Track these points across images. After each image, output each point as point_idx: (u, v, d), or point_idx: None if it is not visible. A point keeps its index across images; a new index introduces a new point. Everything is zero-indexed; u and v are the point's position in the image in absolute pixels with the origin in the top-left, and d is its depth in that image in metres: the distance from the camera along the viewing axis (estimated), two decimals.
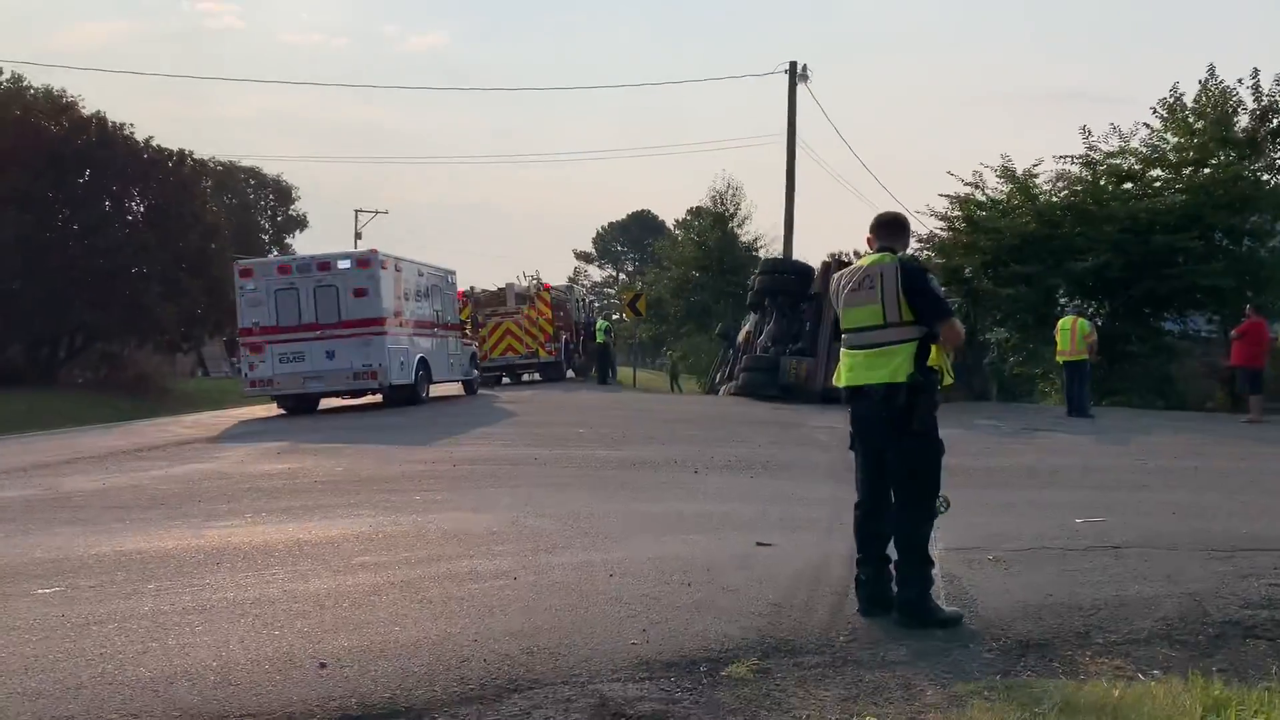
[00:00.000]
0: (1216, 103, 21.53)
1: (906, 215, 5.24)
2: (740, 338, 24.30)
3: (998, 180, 23.13)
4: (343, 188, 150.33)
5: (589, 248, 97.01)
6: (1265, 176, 21.50)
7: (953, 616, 4.72)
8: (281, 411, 18.58)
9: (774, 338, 21.57)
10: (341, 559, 6.20)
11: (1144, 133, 22.38)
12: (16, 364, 28.41)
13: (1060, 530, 6.94)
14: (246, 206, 58.93)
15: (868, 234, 5.06)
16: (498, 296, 30.50)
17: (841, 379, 4.96)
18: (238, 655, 4.24)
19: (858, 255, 17.47)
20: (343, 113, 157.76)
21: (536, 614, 4.78)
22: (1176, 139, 22.08)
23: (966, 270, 23.09)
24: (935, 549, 4.85)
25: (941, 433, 4.80)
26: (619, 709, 3.66)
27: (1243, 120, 21.56)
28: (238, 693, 3.80)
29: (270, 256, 36.56)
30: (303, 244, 61.80)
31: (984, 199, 23.22)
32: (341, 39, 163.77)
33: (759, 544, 6.36)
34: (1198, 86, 21.86)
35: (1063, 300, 22.43)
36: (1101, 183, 22.45)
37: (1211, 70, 21.69)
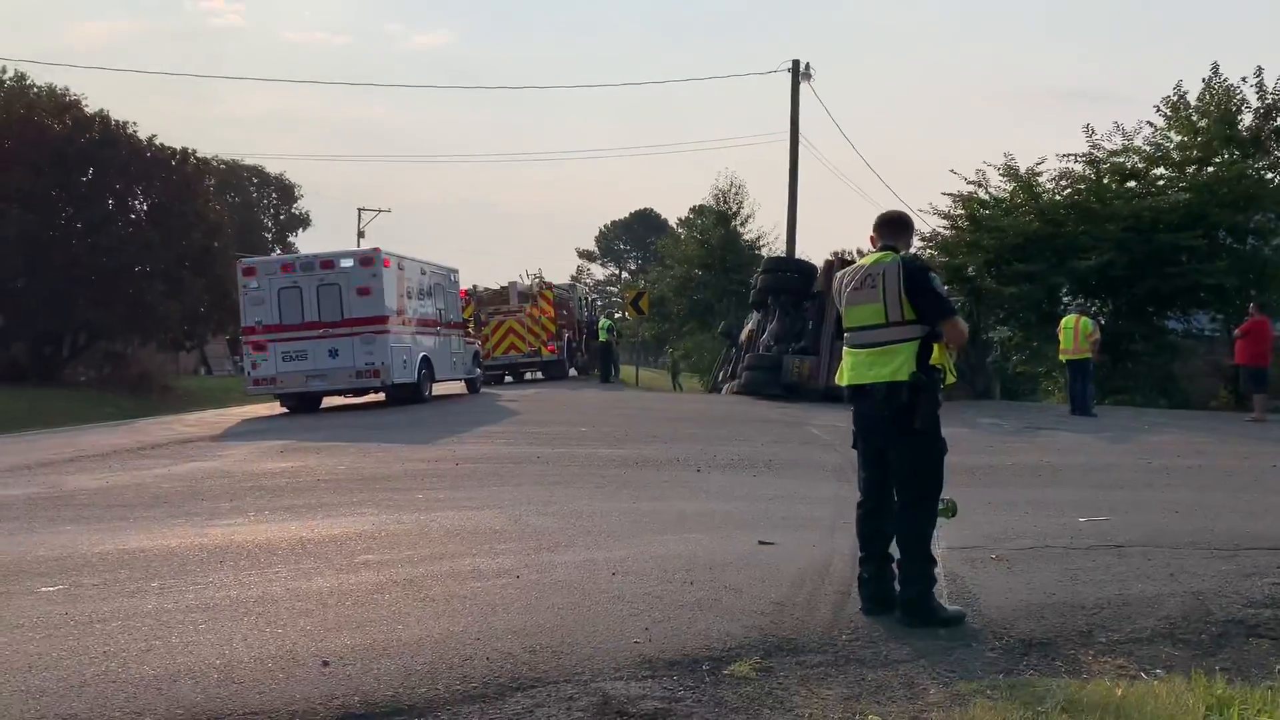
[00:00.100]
0: (1220, 101, 21.49)
1: (910, 214, 5.23)
2: (743, 336, 24.28)
3: (1001, 179, 23.14)
4: (345, 186, 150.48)
5: (592, 246, 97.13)
6: (1269, 175, 21.46)
7: (955, 615, 4.72)
8: (284, 410, 18.62)
9: (777, 336, 21.56)
10: (344, 557, 6.21)
11: (1147, 131, 22.40)
12: (20, 362, 28.43)
13: (1063, 529, 6.94)
14: (249, 205, 58.97)
15: (871, 233, 5.05)
16: (500, 295, 30.50)
17: (844, 378, 4.96)
18: (241, 653, 4.24)
19: (860, 254, 17.46)
20: (345, 111, 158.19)
21: (539, 612, 4.78)
22: (1180, 137, 22.05)
23: (969, 269, 23.07)
24: (938, 548, 4.85)
25: (944, 431, 4.80)
26: (621, 707, 3.66)
27: (1246, 119, 21.54)
28: (241, 690, 3.80)
29: (273, 255, 36.58)
30: (305, 242, 61.92)
31: (987, 197, 23.20)
32: (344, 37, 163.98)
33: (761, 543, 6.36)
34: (1201, 85, 21.86)
35: (1066, 299, 22.44)
36: (1105, 181, 22.43)
37: (1215, 68, 21.68)
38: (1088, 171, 22.66)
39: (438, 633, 4.48)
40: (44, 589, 5.57)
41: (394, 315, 18.08)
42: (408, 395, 18.63)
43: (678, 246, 45.86)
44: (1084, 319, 17.28)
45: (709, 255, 40.45)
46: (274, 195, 61.65)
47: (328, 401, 19.20)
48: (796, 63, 29.19)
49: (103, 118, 29.05)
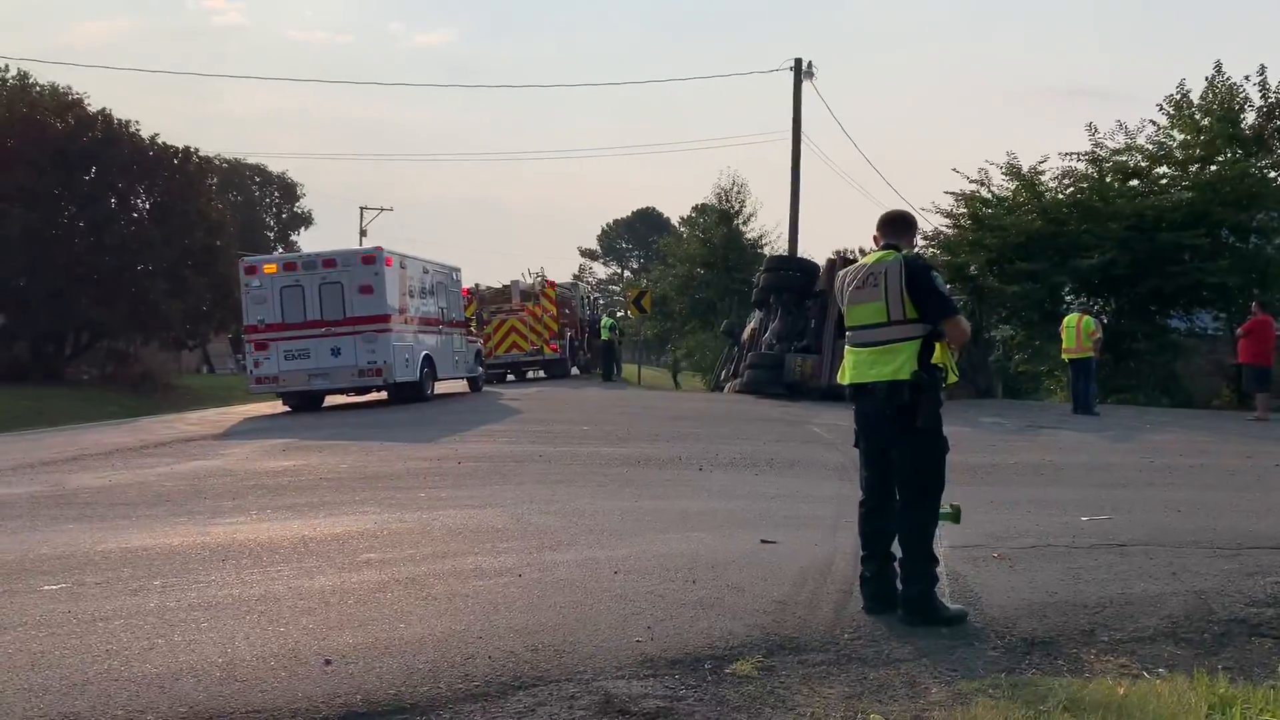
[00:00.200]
0: (1223, 100, 21.46)
1: (913, 214, 5.23)
2: (745, 335, 24.29)
3: (1003, 177, 23.13)
4: (347, 185, 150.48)
5: (594, 245, 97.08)
6: (1272, 174, 21.44)
7: (957, 614, 4.71)
8: (287, 408, 18.63)
9: (779, 335, 21.56)
10: (347, 556, 6.21)
11: (1150, 130, 22.38)
12: (23, 361, 28.46)
13: (1065, 528, 6.93)
14: (251, 204, 59.00)
15: (874, 232, 5.05)
16: (503, 293, 30.52)
17: (845, 376, 4.96)
18: (243, 651, 4.25)
19: (863, 252, 17.49)
20: (347, 110, 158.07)
21: (541, 611, 4.78)
22: (1183, 136, 22.03)
23: (972, 268, 23.08)
24: (940, 546, 4.84)
25: (946, 430, 4.79)
26: (623, 706, 3.66)
27: (1249, 117, 21.52)
28: (243, 689, 3.80)
29: (275, 253, 36.62)
30: (308, 241, 61.89)
31: (989, 196, 23.20)
32: (346, 36, 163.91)
33: (764, 541, 6.36)
34: (1204, 83, 21.81)
35: (1068, 298, 22.43)
36: (1108, 180, 22.41)
37: (1218, 67, 21.64)
38: (1090, 170, 22.65)
39: (440, 631, 4.48)
40: (47, 587, 5.58)
41: (396, 314, 18.09)
42: (410, 394, 18.64)
43: (680, 245, 45.91)
44: (1086, 318, 17.28)
45: (711, 254, 40.48)
46: (276, 194, 61.69)
47: (330, 400, 19.21)
48: (799, 61, 29.19)
49: (105, 116, 29.08)
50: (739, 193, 41.87)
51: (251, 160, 59.35)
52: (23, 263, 26.58)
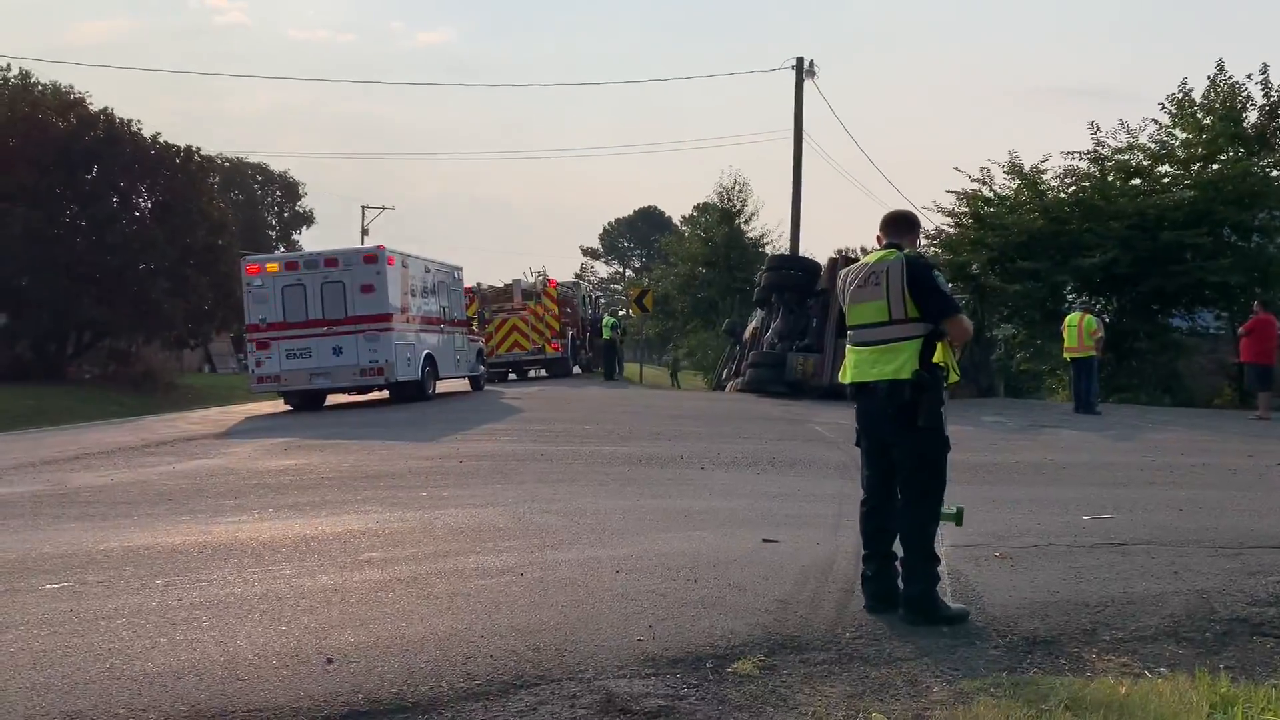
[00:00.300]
0: (1225, 98, 21.43)
1: (916, 213, 5.23)
2: (747, 334, 24.29)
3: (1005, 176, 23.10)
4: (349, 184, 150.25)
5: (595, 244, 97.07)
6: (1274, 172, 21.39)
7: (959, 613, 4.71)
8: (288, 407, 18.62)
9: (780, 334, 21.56)
10: (348, 555, 6.21)
11: (1152, 128, 22.34)
12: (24, 360, 28.49)
13: (1067, 527, 6.93)
14: (253, 203, 59.03)
15: (877, 232, 5.06)
16: (504, 293, 30.52)
17: (847, 375, 4.96)
18: (245, 650, 4.25)
19: (864, 251, 17.47)
20: (349, 108, 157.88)
21: (543, 610, 4.79)
22: (1185, 135, 22.00)
23: (974, 266, 23.06)
24: (941, 545, 4.84)
25: (948, 429, 4.79)
26: (625, 705, 3.66)
27: (1252, 116, 21.48)
28: (245, 688, 3.81)
29: (277, 252, 36.61)
30: (309, 240, 61.97)
31: (991, 195, 23.19)
32: (348, 35, 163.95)
33: (765, 540, 6.36)
34: (1207, 82, 21.77)
35: (1070, 296, 22.41)
36: (1110, 179, 22.39)
37: (1220, 66, 21.60)
38: (1092, 169, 22.63)
39: (442, 630, 4.48)
40: (49, 586, 5.59)
41: (398, 313, 18.09)
42: (411, 393, 18.64)
43: (681, 244, 45.93)
44: (1088, 317, 17.26)
45: (713, 253, 40.50)
46: (278, 193, 61.72)
47: (332, 399, 19.21)
48: (800, 60, 29.18)
49: (107, 115, 29.11)
50: (740, 191, 41.92)
51: (253, 159, 59.43)
52: (25, 262, 26.60)
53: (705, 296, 40.01)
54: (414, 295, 19.09)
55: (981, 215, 22.89)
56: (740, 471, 10.14)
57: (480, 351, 23.63)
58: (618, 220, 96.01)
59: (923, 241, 5.34)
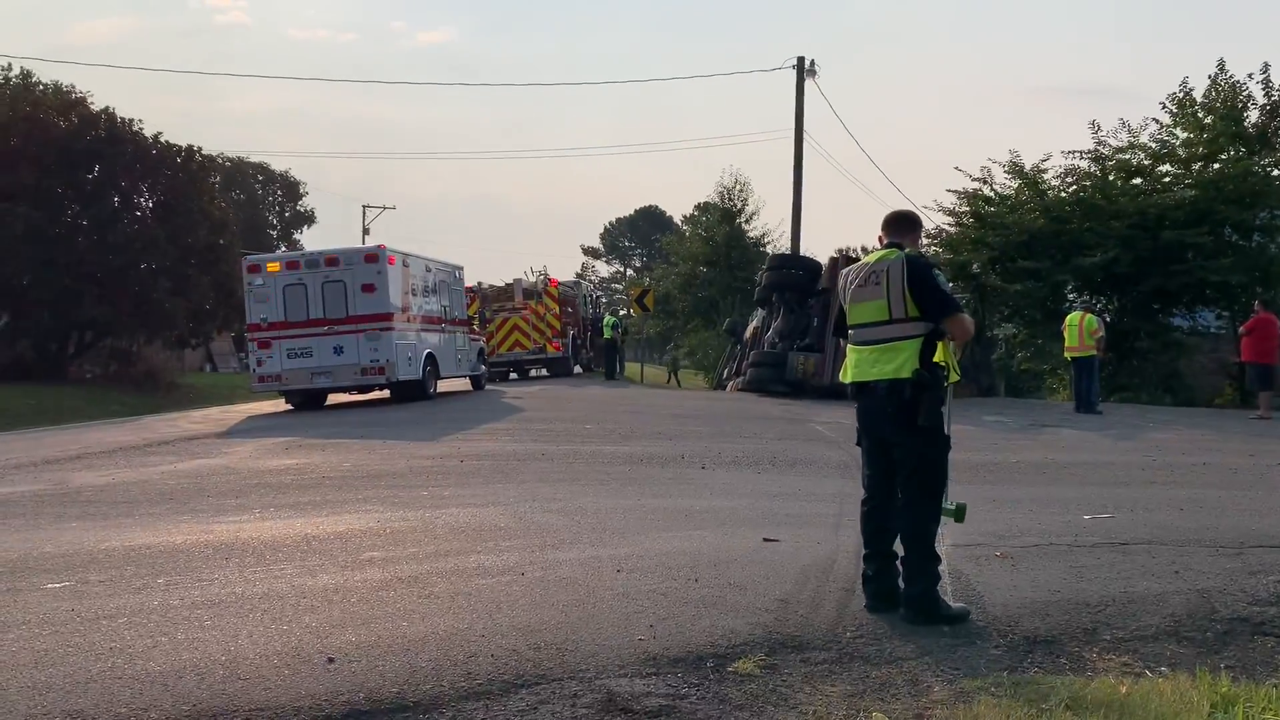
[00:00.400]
0: (1226, 98, 21.44)
1: (917, 213, 5.23)
2: (747, 333, 24.30)
3: (1006, 176, 23.12)
4: (350, 183, 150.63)
5: (596, 243, 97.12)
6: (1275, 172, 21.40)
7: (959, 613, 4.71)
8: (289, 407, 18.63)
9: (781, 333, 21.56)
10: (349, 554, 6.22)
11: (1153, 128, 22.35)
12: (26, 359, 28.48)
13: (1067, 526, 6.93)
14: (254, 202, 59.11)
15: (879, 232, 5.06)
16: (505, 292, 30.53)
17: (847, 374, 4.96)
18: (246, 650, 4.25)
19: (865, 250, 17.47)
20: (350, 108, 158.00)
21: (544, 610, 4.79)
22: (1186, 134, 22.00)
23: (974, 266, 23.06)
24: (942, 545, 4.84)
25: (950, 429, 4.79)
26: (626, 704, 3.66)
27: (1253, 115, 21.49)
28: (246, 687, 3.81)
29: (278, 252, 36.64)
30: (310, 239, 62.04)
31: (992, 194, 23.19)
32: (349, 34, 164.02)
33: (766, 540, 6.36)
34: (1208, 81, 21.80)
35: (1071, 296, 22.41)
36: (1110, 178, 22.39)
37: (1221, 65, 21.62)
38: (1093, 168, 22.64)
39: (443, 629, 4.49)
40: (50, 585, 5.59)
41: (399, 312, 18.09)
42: (412, 392, 18.65)
43: (682, 243, 45.93)
44: (1089, 316, 17.26)
45: (714, 252, 40.49)
46: (279, 192, 61.80)
47: (333, 398, 19.22)
48: (801, 59, 29.20)
49: (108, 115, 29.10)
50: (741, 191, 41.91)
51: (254, 159, 59.59)
52: (26, 261, 26.59)
53: (706, 296, 40.00)
54: (415, 294, 19.09)
55: (982, 214, 22.90)
56: (741, 471, 10.14)
57: (481, 351, 23.64)
58: (619, 220, 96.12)
59: (924, 241, 5.33)
